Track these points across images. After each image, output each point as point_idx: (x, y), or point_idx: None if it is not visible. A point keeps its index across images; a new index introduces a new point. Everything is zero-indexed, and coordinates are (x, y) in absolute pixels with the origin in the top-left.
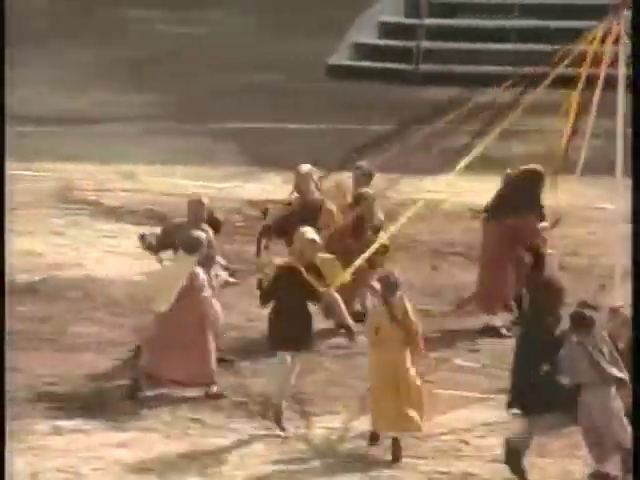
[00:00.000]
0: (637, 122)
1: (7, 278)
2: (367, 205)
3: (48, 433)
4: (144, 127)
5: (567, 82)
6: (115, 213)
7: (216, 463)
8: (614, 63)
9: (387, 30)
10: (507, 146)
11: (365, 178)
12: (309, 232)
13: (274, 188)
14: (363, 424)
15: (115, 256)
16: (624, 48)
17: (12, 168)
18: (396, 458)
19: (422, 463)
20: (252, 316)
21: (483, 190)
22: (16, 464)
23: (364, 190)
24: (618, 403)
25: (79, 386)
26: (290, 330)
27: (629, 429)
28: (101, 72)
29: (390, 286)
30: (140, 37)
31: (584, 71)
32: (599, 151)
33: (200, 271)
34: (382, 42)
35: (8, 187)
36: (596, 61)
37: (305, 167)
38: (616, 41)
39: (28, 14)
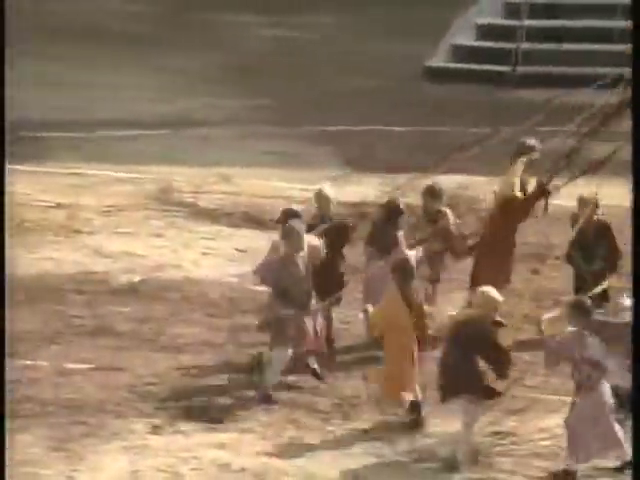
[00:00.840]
0: (637, 122)
1: (110, 279)
2: None
3: (148, 432)
4: (242, 130)
5: None
6: (212, 215)
7: (311, 464)
8: None
9: (485, 32)
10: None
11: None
12: (492, 291)
13: (370, 190)
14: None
15: (212, 258)
16: None
17: (115, 170)
18: (415, 422)
19: (522, 466)
20: (346, 319)
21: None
22: (117, 462)
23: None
24: (610, 399)
25: (178, 386)
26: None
27: (617, 427)
28: (201, 77)
29: (405, 272)
30: (238, 42)
31: None
32: None
33: None
34: (480, 44)
35: (110, 189)
36: None
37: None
38: None
39: (126, 18)
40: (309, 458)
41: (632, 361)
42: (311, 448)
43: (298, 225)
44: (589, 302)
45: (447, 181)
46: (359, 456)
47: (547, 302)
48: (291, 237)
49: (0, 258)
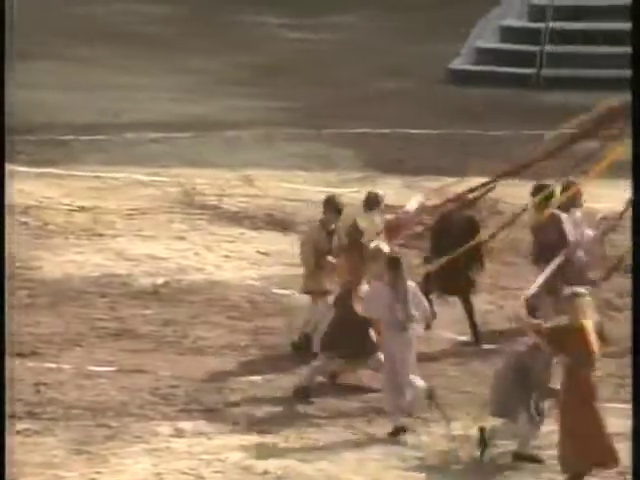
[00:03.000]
0: (637, 123)
1: (133, 282)
2: None
3: (171, 435)
4: (265, 133)
5: None
6: (235, 218)
7: (332, 466)
8: None
9: (509, 34)
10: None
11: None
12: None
13: (394, 193)
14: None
15: (234, 260)
16: None
17: (138, 173)
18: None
19: None
20: None
21: (605, 195)
22: (140, 465)
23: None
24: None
25: (200, 389)
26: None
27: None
28: (224, 79)
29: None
30: (262, 44)
31: None
32: None
33: None
34: (504, 46)
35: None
36: None
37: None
38: None
39: (151, 20)
40: (331, 461)
41: (632, 357)
42: (334, 451)
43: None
44: None
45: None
46: (382, 459)
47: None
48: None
49: (0, 262)
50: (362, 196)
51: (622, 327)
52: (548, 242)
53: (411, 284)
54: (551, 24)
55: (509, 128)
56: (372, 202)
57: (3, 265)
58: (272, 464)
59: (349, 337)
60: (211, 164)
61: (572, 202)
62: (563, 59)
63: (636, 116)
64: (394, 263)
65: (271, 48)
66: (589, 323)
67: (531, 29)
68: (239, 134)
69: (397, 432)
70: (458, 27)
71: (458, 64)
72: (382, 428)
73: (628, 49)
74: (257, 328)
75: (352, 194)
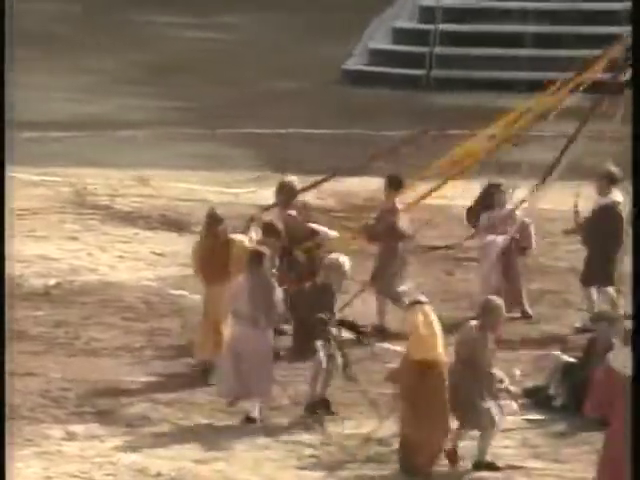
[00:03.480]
0: (637, 125)
1: (23, 283)
2: None
3: (62, 438)
4: (161, 132)
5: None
6: (128, 218)
7: (228, 467)
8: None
9: (401, 35)
10: (523, 151)
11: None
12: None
13: None
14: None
15: (128, 261)
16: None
17: (30, 173)
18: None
19: None
20: None
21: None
22: (30, 468)
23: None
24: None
25: (93, 391)
26: None
27: None
28: (118, 78)
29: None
30: (157, 43)
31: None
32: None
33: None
34: (396, 47)
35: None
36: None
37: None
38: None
39: (45, 18)
40: (227, 462)
41: (632, 355)
42: (230, 451)
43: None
44: None
45: (366, 183)
46: (278, 459)
47: (462, 303)
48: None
49: (0, 261)
50: (258, 196)
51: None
52: (383, 230)
53: (275, 285)
54: (441, 26)
55: (400, 128)
56: (286, 192)
57: (3, 267)
58: (166, 466)
59: None
60: (104, 164)
61: None
62: (453, 60)
63: (636, 116)
64: (255, 259)
65: (166, 47)
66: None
67: (422, 31)
68: (133, 134)
69: (249, 421)
70: (353, 28)
71: (351, 65)
72: (279, 428)
73: (518, 51)
74: (152, 329)
75: (248, 194)
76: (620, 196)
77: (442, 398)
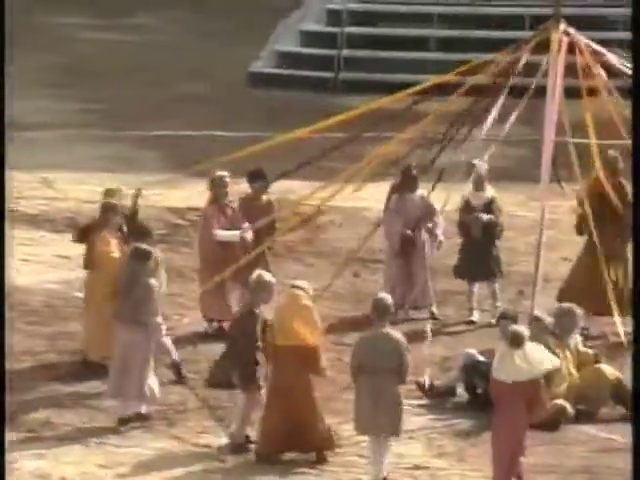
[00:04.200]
0: (637, 129)
1: None
2: None
3: None
4: (70, 134)
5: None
6: (34, 221)
7: (131, 470)
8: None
9: (308, 38)
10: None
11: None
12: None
13: (195, 195)
14: None
15: (32, 264)
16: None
17: None
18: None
19: None
20: None
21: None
22: None
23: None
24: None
25: None
26: None
27: None
28: (29, 80)
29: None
30: (69, 45)
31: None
32: (520, 159)
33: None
34: (303, 50)
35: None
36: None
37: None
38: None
39: None
40: (131, 465)
41: (632, 361)
42: (136, 457)
43: None
44: None
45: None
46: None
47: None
48: None
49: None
50: (164, 198)
51: None
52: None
53: (155, 284)
54: (348, 29)
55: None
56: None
57: (3, 267)
58: (69, 471)
59: None
60: (8, 166)
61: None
62: (361, 63)
63: (636, 116)
64: (141, 256)
65: (72, 49)
66: None
67: (329, 33)
68: (38, 135)
69: (122, 423)
70: (261, 30)
71: (258, 67)
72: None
73: (424, 54)
74: (56, 333)
75: (154, 197)
76: (493, 192)
77: (308, 387)
